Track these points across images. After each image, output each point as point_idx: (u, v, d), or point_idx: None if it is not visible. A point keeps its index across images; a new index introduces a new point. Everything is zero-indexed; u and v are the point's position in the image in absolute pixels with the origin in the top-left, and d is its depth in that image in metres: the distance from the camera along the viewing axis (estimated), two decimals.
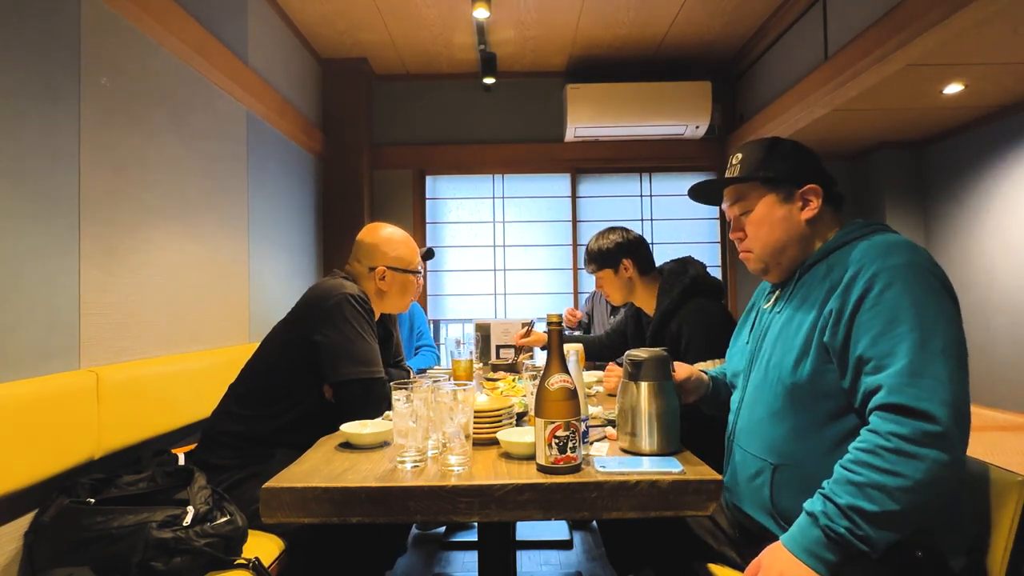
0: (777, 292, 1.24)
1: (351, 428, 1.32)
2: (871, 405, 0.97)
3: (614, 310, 2.97)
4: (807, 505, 0.96)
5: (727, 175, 1.25)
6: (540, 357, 2.84)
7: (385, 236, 1.81)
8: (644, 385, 1.20)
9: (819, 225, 1.18)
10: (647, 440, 1.19)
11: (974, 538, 1.04)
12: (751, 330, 1.28)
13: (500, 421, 1.29)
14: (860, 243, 1.08)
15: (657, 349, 1.24)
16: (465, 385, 1.13)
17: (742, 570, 1.06)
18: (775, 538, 0.99)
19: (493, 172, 4.42)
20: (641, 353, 1.23)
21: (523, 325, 2.56)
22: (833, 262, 1.10)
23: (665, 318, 1.86)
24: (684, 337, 1.78)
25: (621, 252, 2.00)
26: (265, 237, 3.04)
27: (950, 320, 0.97)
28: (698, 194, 1.36)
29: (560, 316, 1.16)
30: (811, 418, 1.06)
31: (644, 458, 1.15)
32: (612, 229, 2.06)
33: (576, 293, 4.35)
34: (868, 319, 1.00)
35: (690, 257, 2.01)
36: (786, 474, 1.08)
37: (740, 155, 1.23)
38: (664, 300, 1.89)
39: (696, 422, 1.74)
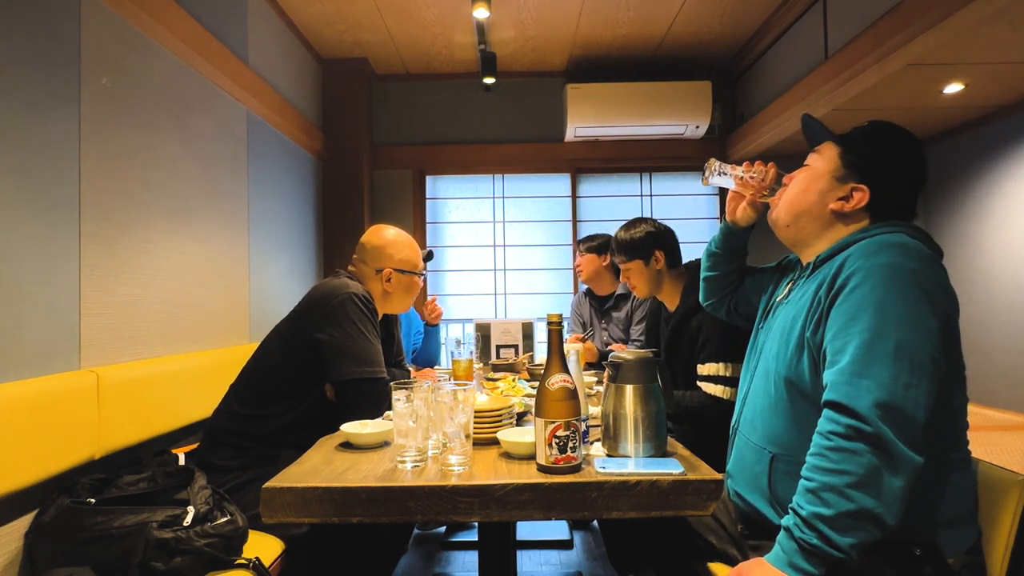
0: (791, 284, 1.23)
1: (351, 428, 1.32)
2: (821, 402, 0.99)
3: (598, 309, 2.94)
4: (783, 520, 0.96)
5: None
6: (540, 358, 2.83)
7: (391, 238, 1.82)
8: (629, 388, 1.17)
9: (842, 223, 1.15)
10: (632, 446, 1.15)
11: (974, 537, 1.03)
12: (764, 320, 1.27)
13: (500, 421, 1.29)
14: (863, 240, 1.07)
15: (644, 351, 1.22)
16: (465, 385, 1.13)
17: None
18: (775, 528, 0.99)
19: (493, 172, 4.42)
20: (626, 355, 1.20)
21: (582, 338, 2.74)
22: (837, 258, 1.09)
23: (688, 314, 1.82)
24: (702, 335, 1.77)
25: (654, 243, 1.93)
26: (265, 237, 3.04)
27: (916, 325, 0.94)
28: (812, 122, 1.33)
29: (560, 316, 1.15)
30: (808, 410, 1.06)
31: (644, 458, 1.14)
32: (641, 219, 1.99)
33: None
34: (835, 315, 1.01)
35: None
36: (784, 464, 1.09)
37: (864, 124, 1.21)
38: (690, 296, 1.84)
39: (695, 422, 1.74)
